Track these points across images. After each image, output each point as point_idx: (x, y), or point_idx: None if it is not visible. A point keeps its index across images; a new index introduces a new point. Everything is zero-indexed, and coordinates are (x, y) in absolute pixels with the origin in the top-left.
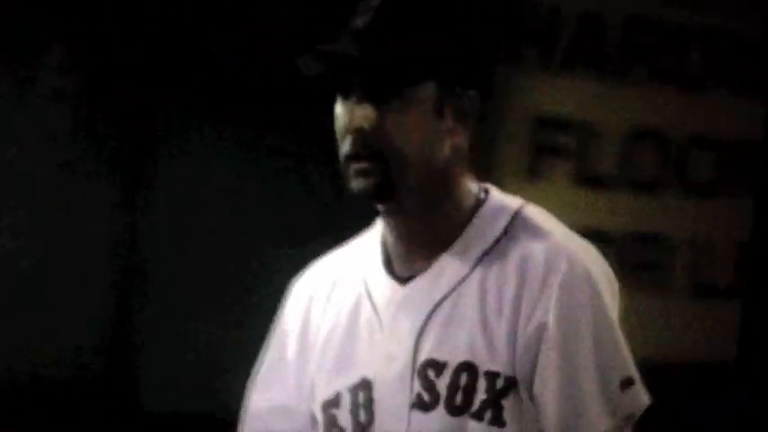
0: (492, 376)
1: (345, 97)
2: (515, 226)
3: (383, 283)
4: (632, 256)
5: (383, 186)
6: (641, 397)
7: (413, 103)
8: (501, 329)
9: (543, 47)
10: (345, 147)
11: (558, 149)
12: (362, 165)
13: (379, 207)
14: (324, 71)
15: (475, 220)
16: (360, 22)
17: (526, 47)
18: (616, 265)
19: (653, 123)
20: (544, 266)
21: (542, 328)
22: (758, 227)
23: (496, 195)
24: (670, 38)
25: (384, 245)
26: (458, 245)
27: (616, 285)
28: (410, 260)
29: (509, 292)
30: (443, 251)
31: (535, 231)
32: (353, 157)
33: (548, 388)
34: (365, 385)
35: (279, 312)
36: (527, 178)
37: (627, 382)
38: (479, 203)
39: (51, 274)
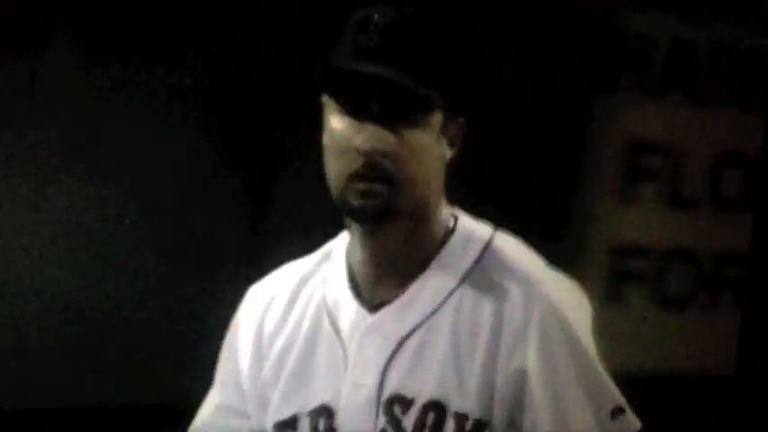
0: (461, 417)
1: (356, 117)
2: (486, 258)
3: (348, 307)
4: (717, 274)
5: (385, 209)
6: (631, 423)
7: (425, 127)
8: (474, 370)
9: (636, 74)
10: (353, 165)
11: (649, 173)
12: (369, 185)
13: (365, 228)
14: (339, 89)
15: (445, 249)
16: (372, 42)
17: (620, 74)
18: (704, 285)
19: (740, 147)
20: (521, 310)
21: (523, 371)
22: (756, 239)
23: (466, 222)
24: (756, 64)
25: (350, 265)
26: (429, 274)
27: (590, 312)
28: (379, 285)
29: (483, 333)
30: (414, 279)
31: (508, 267)
32: (361, 177)
33: (540, 428)
34: (326, 412)
35: (233, 319)
36: (620, 200)
37: (617, 411)
38: (450, 231)
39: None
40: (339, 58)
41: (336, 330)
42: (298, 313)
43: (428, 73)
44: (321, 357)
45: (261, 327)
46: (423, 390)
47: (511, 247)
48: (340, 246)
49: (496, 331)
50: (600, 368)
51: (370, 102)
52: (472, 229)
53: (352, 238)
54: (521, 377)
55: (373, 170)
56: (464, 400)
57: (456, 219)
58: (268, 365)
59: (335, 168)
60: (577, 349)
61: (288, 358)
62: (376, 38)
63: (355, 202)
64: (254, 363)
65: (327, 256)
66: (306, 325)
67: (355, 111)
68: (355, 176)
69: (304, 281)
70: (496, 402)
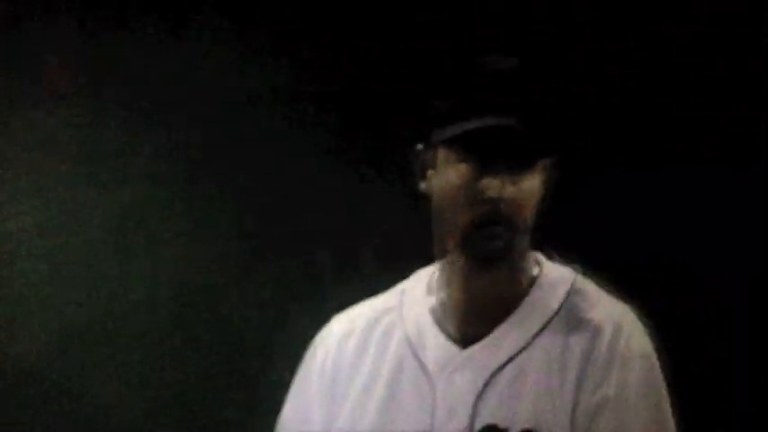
0: None
1: (482, 167)
2: (572, 299)
3: (435, 342)
4: None
5: (506, 250)
6: None
7: (538, 173)
8: (563, 401)
9: None
10: (476, 212)
11: None
12: (493, 230)
13: (478, 269)
14: (465, 142)
15: (535, 290)
16: (497, 92)
17: None
18: None
19: None
20: (607, 347)
21: (602, 402)
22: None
23: (550, 266)
24: None
25: (435, 302)
26: (519, 313)
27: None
28: (469, 322)
29: (572, 367)
30: (505, 317)
31: (592, 307)
32: (489, 223)
33: None
34: None
35: (303, 364)
36: None
37: None
38: (536, 272)
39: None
40: (458, 111)
41: (422, 364)
42: (378, 351)
43: (547, 123)
44: (406, 391)
45: (336, 370)
46: (516, 419)
47: (592, 289)
48: (416, 284)
49: (584, 366)
50: (669, 414)
51: (496, 153)
52: (557, 271)
53: (445, 277)
54: (599, 408)
55: (497, 216)
56: (555, 429)
57: (539, 262)
58: (348, 406)
59: (457, 215)
60: (653, 390)
61: (371, 395)
62: (500, 87)
63: (483, 246)
64: (329, 407)
65: (401, 293)
66: (387, 361)
67: (482, 161)
68: (479, 223)
69: (378, 319)
70: (575, 427)
